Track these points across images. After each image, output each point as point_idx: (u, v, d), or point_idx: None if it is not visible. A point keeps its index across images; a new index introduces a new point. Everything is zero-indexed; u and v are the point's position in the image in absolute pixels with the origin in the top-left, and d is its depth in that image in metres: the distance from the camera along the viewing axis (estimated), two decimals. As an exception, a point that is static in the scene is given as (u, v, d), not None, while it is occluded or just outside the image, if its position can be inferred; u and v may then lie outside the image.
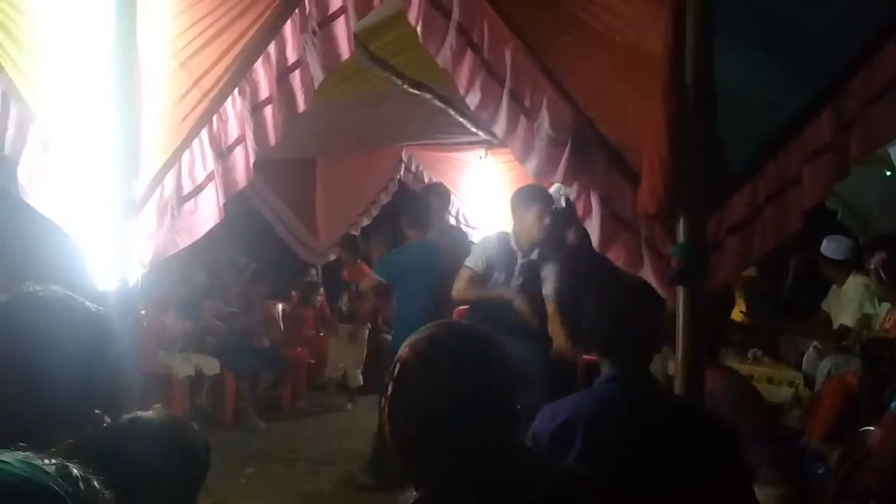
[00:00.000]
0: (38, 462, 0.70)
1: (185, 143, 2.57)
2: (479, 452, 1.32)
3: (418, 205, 5.45)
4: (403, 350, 1.37)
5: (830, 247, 5.01)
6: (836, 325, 4.89)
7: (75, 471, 0.72)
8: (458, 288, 4.50)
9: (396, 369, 1.36)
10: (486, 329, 1.43)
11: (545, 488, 1.37)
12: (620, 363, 2.03)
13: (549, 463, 1.48)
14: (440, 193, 6.32)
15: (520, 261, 4.45)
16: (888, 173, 5.74)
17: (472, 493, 1.31)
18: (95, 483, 0.73)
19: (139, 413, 1.57)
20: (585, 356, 4.27)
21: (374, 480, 4.69)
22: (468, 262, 4.54)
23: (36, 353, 1.48)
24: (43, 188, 2.56)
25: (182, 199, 2.61)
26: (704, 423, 2.07)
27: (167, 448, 1.49)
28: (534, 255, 4.44)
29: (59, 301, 1.56)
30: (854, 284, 4.84)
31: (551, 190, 6.73)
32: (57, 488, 0.68)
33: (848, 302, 4.83)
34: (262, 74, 2.63)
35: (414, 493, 1.33)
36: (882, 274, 4.53)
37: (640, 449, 1.90)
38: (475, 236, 7.27)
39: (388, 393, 1.36)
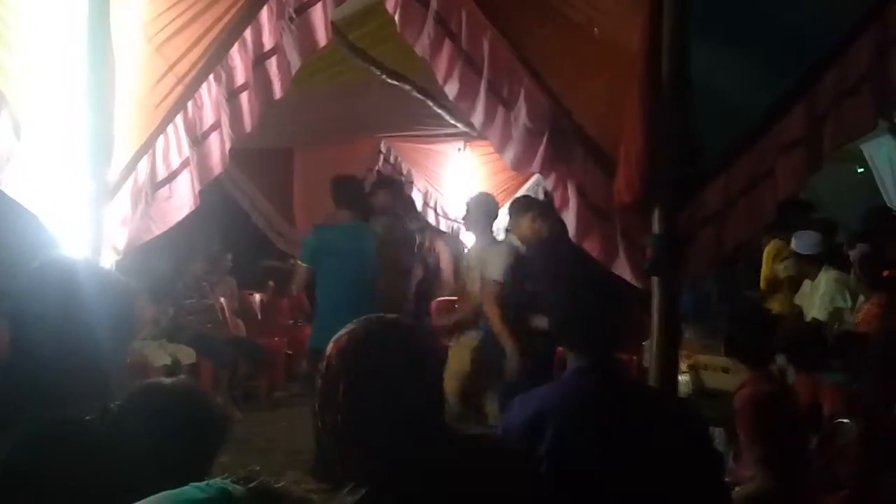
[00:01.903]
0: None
1: (160, 129, 2.55)
2: (407, 442, 1.36)
3: (353, 187, 5.14)
4: (329, 346, 1.43)
5: (800, 242, 5.08)
6: (808, 319, 4.96)
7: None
8: (487, 308, 4.52)
9: (323, 365, 1.42)
10: (409, 321, 1.51)
11: (481, 469, 1.40)
12: (588, 355, 2.04)
13: (480, 443, 1.52)
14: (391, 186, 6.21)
15: None
16: (860, 170, 5.84)
17: (406, 485, 1.34)
18: None
19: (162, 379, 1.68)
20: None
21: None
22: (495, 275, 4.52)
23: (88, 311, 1.55)
24: (14, 174, 2.51)
25: (156, 185, 2.59)
26: (673, 411, 2.10)
27: (194, 410, 1.57)
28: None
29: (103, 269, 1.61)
30: (826, 278, 4.91)
31: (529, 183, 6.80)
32: None
33: (820, 296, 4.89)
34: (238, 60, 2.61)
35: (355, 488, 1.35)
36: (858, 269, 4.61)
37: (612, 438, 1.92)
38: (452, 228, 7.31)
39: (318, 389, 1.42)
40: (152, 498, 0.72)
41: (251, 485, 0.73)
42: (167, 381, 1.67)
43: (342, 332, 1.44)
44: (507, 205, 5.37)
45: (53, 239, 2.49)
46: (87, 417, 1.44)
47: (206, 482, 0.74)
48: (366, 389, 1.37)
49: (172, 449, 1.51)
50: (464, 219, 5.26)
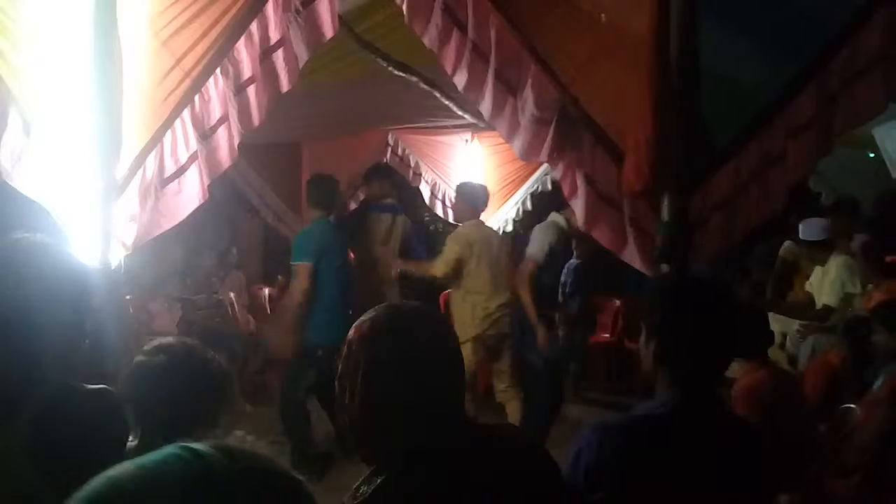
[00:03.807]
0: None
1: (168, 124, 2.55)
2: (426, 430, 1.35)
3: (326, 185, 5.05)
4: (350, 332, 1.42)
5: (807, 229, 5.05)
6: (818, 306, 4.93)
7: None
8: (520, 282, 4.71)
9: (343, 351, 1.41)
10: (429, 308, 1.49)
11: (499, 459, 1.39)
12: (687, 384, 1.70)
13: (501, 435, 1.50)
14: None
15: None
16: (871, 155, 5.79)
17: (425, 473, 1.33)
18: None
19: (161, 339, 1.89)
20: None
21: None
22: (531, 253, 4.72)
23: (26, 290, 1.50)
24: (24, 170, 2.53)
25: (165, 180, 2.60)
26: (763, 449, 1.79)
27: (197, 362, 1.82)
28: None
29: (40, 243, 1.61)
30: (836, 264, 4.87)
31: (538, 173, 6.78)
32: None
33: (830, 282, 4.86)
34: (245, 54, 2.61)
35: (372, 475, 1.35)
36: (864, 257, 4.57)
37: (710, 478, 1.68)
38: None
39: (338, 374, 1.41)
40: (119, 465, 0.69)
41: (211, 442, 0.71)
42: (169, 338, 1.89)
43: (364, 318, 1.42)
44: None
45: (64, 234, 2.50)
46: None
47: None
48: (385, 376, 1.36)
49: (180, 399, 1.74)
50: (452, 207, 5.35)
